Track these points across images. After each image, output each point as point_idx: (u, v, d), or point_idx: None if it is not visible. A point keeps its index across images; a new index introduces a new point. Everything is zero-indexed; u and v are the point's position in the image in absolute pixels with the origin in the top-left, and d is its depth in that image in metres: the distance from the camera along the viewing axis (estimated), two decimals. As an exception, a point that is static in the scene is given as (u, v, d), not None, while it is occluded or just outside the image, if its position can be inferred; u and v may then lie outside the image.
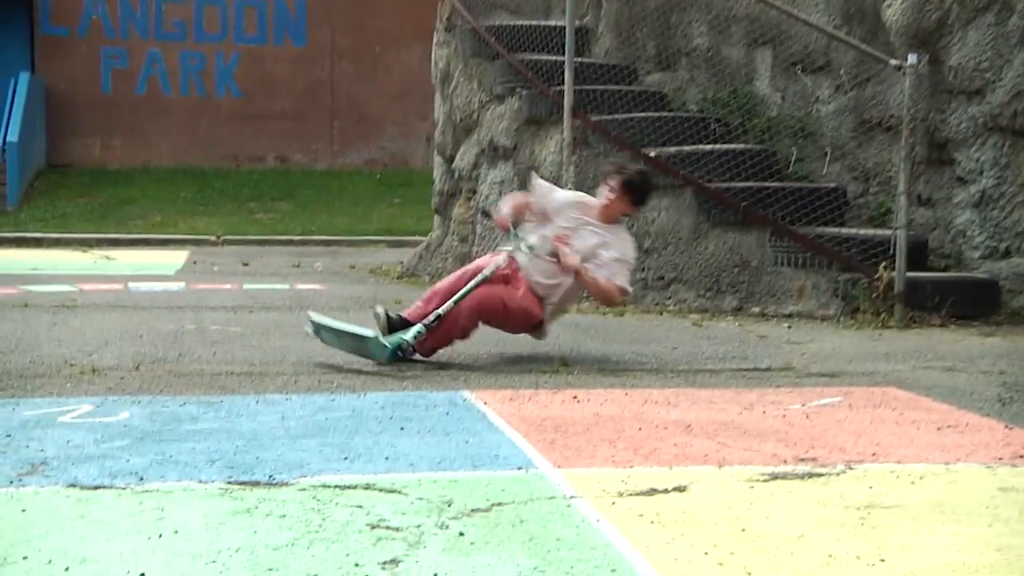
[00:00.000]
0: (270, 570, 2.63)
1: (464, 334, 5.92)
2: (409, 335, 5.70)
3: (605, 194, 6.08)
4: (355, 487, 3.36)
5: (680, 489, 3.41)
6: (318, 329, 5.95)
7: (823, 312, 7.95)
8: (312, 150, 23.01)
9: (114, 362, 5.65)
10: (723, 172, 8.83)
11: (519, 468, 3.64)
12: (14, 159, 18.91)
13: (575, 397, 4.90)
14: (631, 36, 10.56)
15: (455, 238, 10.93)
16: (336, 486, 3.37)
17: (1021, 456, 3.92)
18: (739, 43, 9.83)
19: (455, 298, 5.79)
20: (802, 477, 3.58)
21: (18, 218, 17.66)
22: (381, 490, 3.33)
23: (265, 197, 20.19)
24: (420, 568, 2.65)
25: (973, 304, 7.80)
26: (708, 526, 3.02)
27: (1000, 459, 3.88)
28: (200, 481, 3.40)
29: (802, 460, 3.81)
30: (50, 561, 2.67)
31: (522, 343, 6.30)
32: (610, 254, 5.93)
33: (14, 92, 20.10)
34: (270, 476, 3.47)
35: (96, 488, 3.31)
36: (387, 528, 2.95)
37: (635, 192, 6.10)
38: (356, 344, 5.76)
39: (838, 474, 3.63)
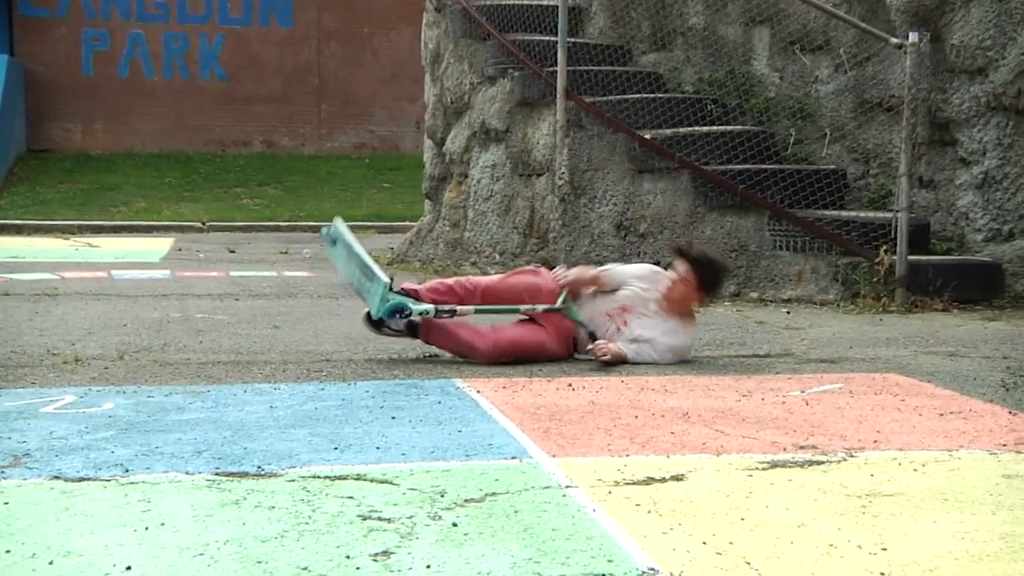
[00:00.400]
0: (259, 563, 2.63)
1: (478, 357, 5.45)
2: (419, 307, 5.34)
3: (670, 276, 5.57)
4: (346, 478, 3.36)
5: (678, 478, 3.41)
6: (335, 240, 5.55)
7: (823, 297, 7.96)
8: (299, 134, 22.96)
9: (98, 351, 5.64)
10: (720, 154, 8.83)
11: (513, 457, 3.64)
12: (-7, 144, 18.88)
13: (570, 385, 4.91)
14: (625, 15, 10.55)
15: (446, 223, 10.92)
16: (326, 477, 3.36)
17: (1025, 442, 3.93)
18: (736, 22, 9.82)
19: (489, 309, 5.52)
20: (802, 465, 3.59)
21: (-2, 205, 17.62)
22: (372, 480, 3.33)
23: (251, 182, 20.15)
24: (412, 560, 2.65)
25: (976, 288, 7.81)
26: (706, 515, 3.02)
27: (1004, 446, 3.89)
28: (187, 472, 3.40)
29: (802, 448, 3.82)
30: (34, 555, 2.67)
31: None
32: (665, 341, 5.52)
33: (-8, 75, 20.04)
34: (258, 467, 3.47)
35: (80, 480, 3.30)
36: (379, 519, 2.95)
37: (703, 277, 5.51)
38: (361, 277, 5.38)
39: (839, 462, 3.64)
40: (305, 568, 2.59)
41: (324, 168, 21.42)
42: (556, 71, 9.33)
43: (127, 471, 3.41)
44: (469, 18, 10.66)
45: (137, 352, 5.66)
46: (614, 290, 5.62)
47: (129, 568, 2.58)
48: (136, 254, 12.05)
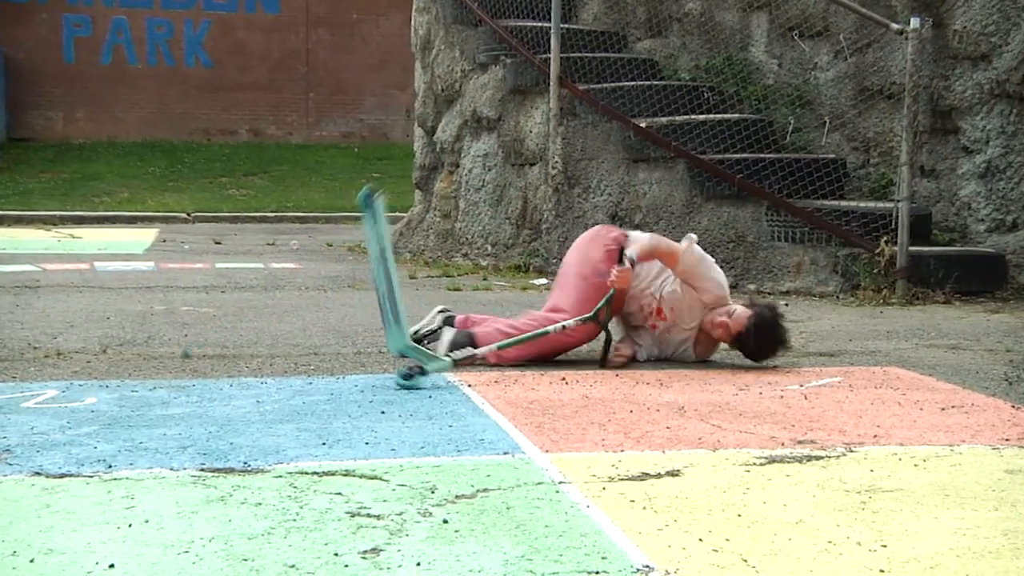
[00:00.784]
0: (245, 560, 2.63)
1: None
2: (434, 365, 4.86)
3: (727, 312, 5.24)
4: (334, 473, 3.36)
5: (673, 473, 3.42)
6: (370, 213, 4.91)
7: (822, 289, 7.97)
8: (287, 123, 22.93)
9: (80, 345, 5.63)
10: (717, 143, 8.83)
11: (505, 453, 3.64)
12: (-28, 133, 18.83)
13: (563, 379, 4.91)
14: (620, 1, 10.54)
15: (437, 214, 10.92)
16: (314, 473, 3.37)
17: (1028, 437, 3.94)
18: (733, 7, 9.82)
19: (513, 341, 5.21)
20: (800, 460, 3.60)
21: (-23, 195, 17.57)
22: (361, 476, 3.33)
23: (238, 172, 20.12)
24: (402, 557, 2.65)
25: (978, 279, 7.83)
26: (702, 512, 3.03)
27: (1007, 440, 3.90)
28: (171, 468, 3.40)
29: (800, 443, 3.82)
30: (15, 552, 2.67)
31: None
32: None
33: (-28, 63, 20.00)
34: (245, 463, 3.47)
35: (62, 476, 3.30)
36: (368, 516, 2.96)
37: (748, 338, 5.19)
38: (385, 303, 4.93)
39: (838, 457, 3.64)
40: (292, 566, 2.59)
41: (312, 157, 21.39)
42: (549, 58, 9.32)
43: (110, 467, 3.40)
44: (460, 3, 10.64)
45: (120, 345, 5.65)
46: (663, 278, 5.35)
47: (112, 566, 2.58)
48: (119, 245, 12.02)
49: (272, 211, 16.90)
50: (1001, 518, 3.01)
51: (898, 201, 7.68)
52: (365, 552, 2.69)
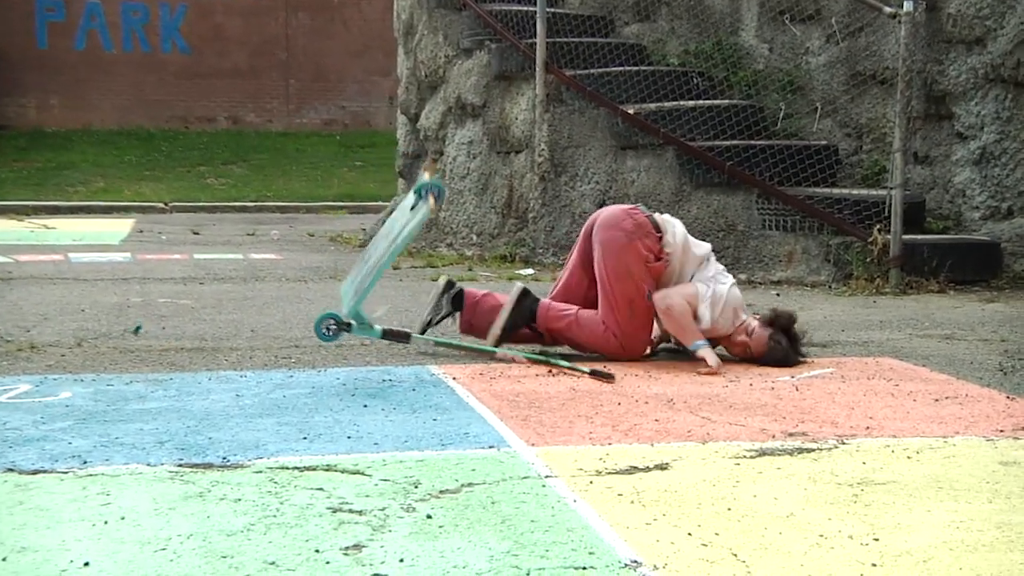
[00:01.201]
0: (224, 557, 2.63)
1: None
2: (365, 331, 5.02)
3: (748, 327, 5.19)
4: (315, 468, 3.36)
5: (662, 467, 3.43)
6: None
7: (814, 278, 7.99)
8: (267, 110, 22.88)
9: (54, 338, 5.62)
10: (707, 130, 8.84)
11: (490, 447, 3.65)
12: (-57, 121, 18.75)
13: (550, 371, 4.91)
14: (608, -16, 10.53)
15: (421, 203, 10.89)
16: (295, 468, 3.37)
17: (1023, 428, 3.95)
18: (723, -9, 9.82)
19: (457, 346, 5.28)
20: (791, 453, 3.61)
21: (-52, 185, 17.51)
22: (343, 471, 3.34)
23: (216, 161, 20.08)
24: (385, 553, 2.65)
25: (973, 268, 7.86)
26: (692, 505, 3.04)
27: (1001, 431, 3.91)
28: (148, 464, 3.39)
29: (791, 435, 3.83)
30: (-13, 551, 2.66)
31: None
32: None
33: (-59, 49, 19.91)
34: (224, 458, 3.46)
35: (36, 473, 3.30)
36: (350, 511, 2.96)
37: (765, 351, 5.14)
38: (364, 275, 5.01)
39: (829, 449, 3.66)
40: (272, 563, 2.59)
41: (292, 146, 21.35)
42: (535, 43, 9.32)
43: (85, 463, 3.40)
44: (444, -13, 10.64)
45: (96, 338, 5.64)
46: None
47: (87, 564, 2.58)
48: (95, 236, 11.99)
49: (252, 201, 16.87)
50: (995, 511, 3.03)
51: (891, 188, 7.70)
52: (347, 548, 2.69)
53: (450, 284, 5.47)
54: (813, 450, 3.64)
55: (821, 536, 2.80)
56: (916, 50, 8.10)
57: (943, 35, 8.27)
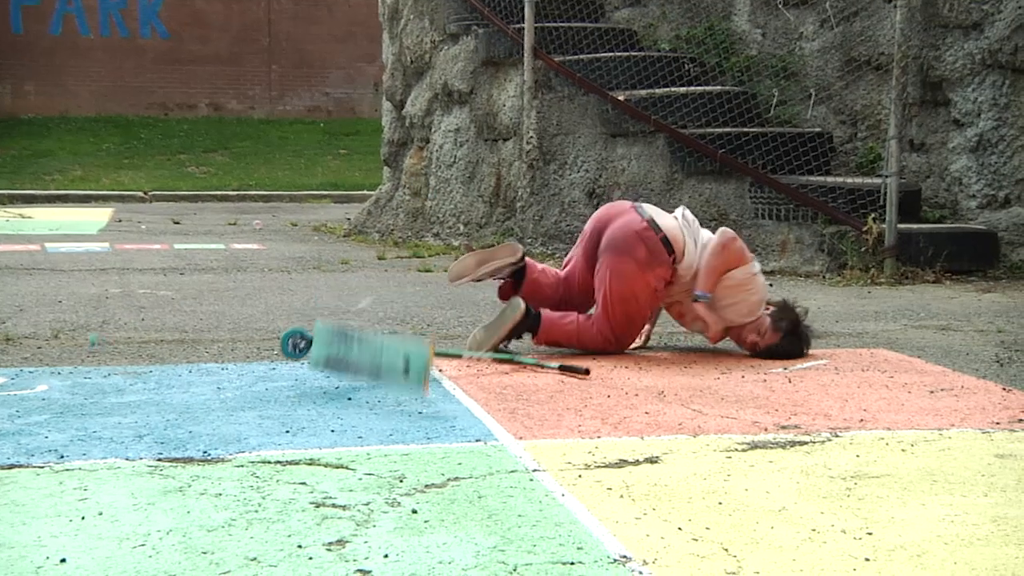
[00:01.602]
0: (204, 553, 2.62)
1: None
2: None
3: (752, 336, 5.16)
4: (298, 462, 3.36)
5: (652, 460, 3.43)
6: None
7: (807, 268, 8.00)
8: (248, 97, 22.84)
9: (30, 330, 5.61)
10: (698, 117, 8.84)
11: (477, 440, 3.65)
12: (-84, 108, 18.69)
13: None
14: (597, -32, 10.53)
15: (407, 192, 10.90)
16: (277, 462, 3.36)
17: (1020, 420, 3.97)
18: (715, -25, 9.82)
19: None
20: (784, 446, 3.62)
21: (-78, 174, 17.46)
22: (326, 465, 3.33)
23: (197, 149, 20.04)
24: (369, 548, 2.65)
25: (970, 257, 7.88)
26: (682, 500, 3.04)
27: (997, 424, 3.92)
28: (127, 458, 3.39)
29: (784, 428, 3.84)
30: (-39, 547, 2.66)
31: (482, 308, 6.31)
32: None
33: (-86, 34, 19.83)
34: (204, 452, 3.46)
35: (11, 467, 3.29)
36: (333, 506, 2.96)
37: (773, 344, 5.13)
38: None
39: (823, 442, 3.66)
40: (254, 559, 2.59)
41: (275, 133, 21.32)
42: (523, 28, 9.31)
43: (62, 457, 3.39)
44: (430, -30, 10.62)
45: (73, 330, 5.63)
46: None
47: (64, 560, 2.58)
48: (72, 225, 11.97)
49: (233, 189, 16.85)
50: (991, 504, 3.04)
51: (886, 176, 7.71)
52: (330, 544, 2.69)
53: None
54: (806, 443, 3.65)
55: (814, 530, 2.81)
56: (912, 35, 8.11)
57: (939, 20, 8.28)
